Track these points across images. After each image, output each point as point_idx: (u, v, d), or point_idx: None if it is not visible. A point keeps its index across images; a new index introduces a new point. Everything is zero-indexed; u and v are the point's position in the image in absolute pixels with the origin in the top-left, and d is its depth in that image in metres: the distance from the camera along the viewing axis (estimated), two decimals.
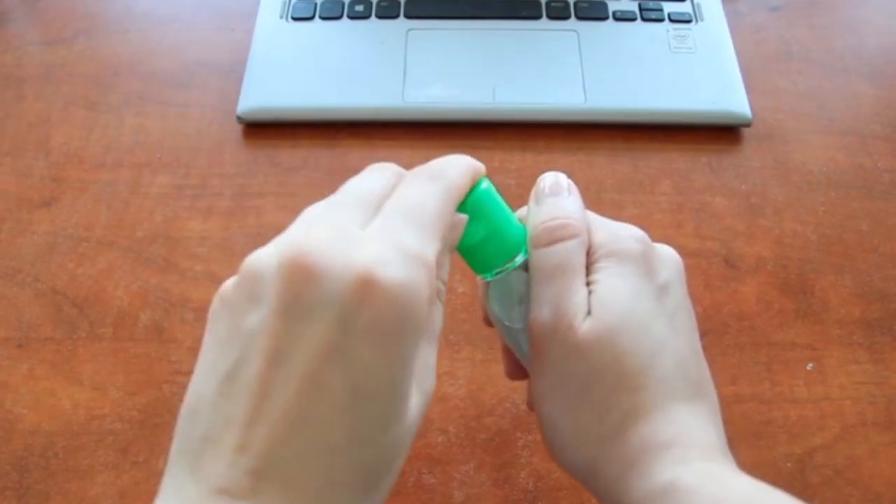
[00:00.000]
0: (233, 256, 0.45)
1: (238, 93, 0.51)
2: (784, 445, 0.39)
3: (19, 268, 0.45)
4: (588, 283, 0.27)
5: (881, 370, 0.41)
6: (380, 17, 0.54)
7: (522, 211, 0.30)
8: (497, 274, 0.28)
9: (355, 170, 0.53)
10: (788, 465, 0.38)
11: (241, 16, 0.56)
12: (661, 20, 0.54)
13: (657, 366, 0.26)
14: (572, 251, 0.27)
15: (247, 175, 0.49)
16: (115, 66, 0.54)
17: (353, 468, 0.21)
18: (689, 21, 0.54)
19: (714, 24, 0.54)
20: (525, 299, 0.28)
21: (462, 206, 0.26)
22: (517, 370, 0.31)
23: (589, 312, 0.26)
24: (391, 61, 0.52)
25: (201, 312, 0.43)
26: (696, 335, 0.28)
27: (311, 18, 0.54)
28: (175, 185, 0.48)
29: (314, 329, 0.20)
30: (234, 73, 0.53)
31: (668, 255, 0.29)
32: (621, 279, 0.27)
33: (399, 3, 0.55)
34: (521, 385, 0.40)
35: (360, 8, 0.54)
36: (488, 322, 0.31)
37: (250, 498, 0.20)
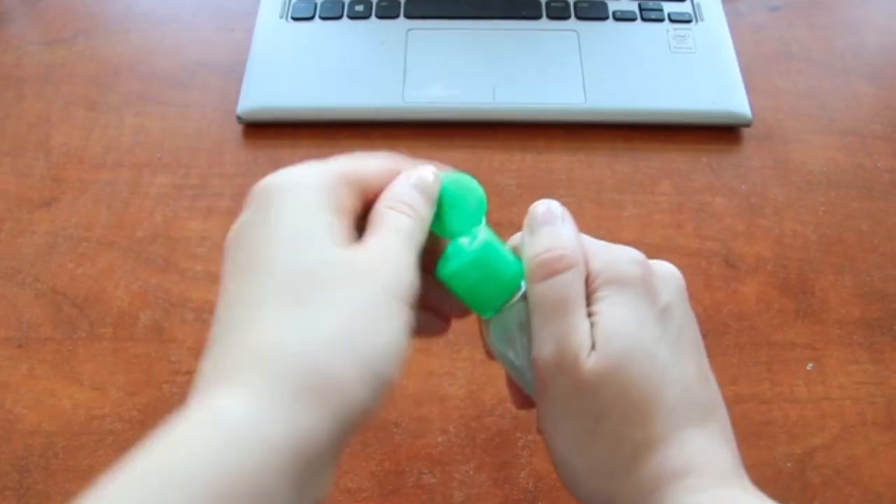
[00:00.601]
0: None
1: (238, 93, 0.51)
2: (784, 445, 0.39)
3: (19, 268, 0.45)
4: (589, 314, 0.26)
5: (881, 370, 0.41)
6: (380, 17, 0.54)
7: (516, 238, 0.29)
8: (496, 313, 0.28)
9: None
10: (788, 465, 0.38)
11: (241, 16, 0.56)
12: (661, 20, 0.54)
13: (665, 395, 0.26)
14: (570, 283, 0.26)
15: (247, 175, 0.49)
16: (115, 66, 0.54)
17: None
18: (689, 21, 0.54)
19: (714, 24, 0.54)
20: (526, 331, 0.28)
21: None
22: (524, 401, 0.30)
23: (593, 346, 0.26)
24: (391, 61, 0.52)
25: (201, 312, 0.43)
26: (702, 352, 0.28)
27: (311, 18, 0.54)
28: (175, 185, 0.48)
29: None
30: (234, 73, 0.53)
31: (667, 274, 0.28)
32: (622, 308, 0.26)
33: (399, 3, 0.55)
34: None
35: (360, 8, 0.54)
36: (490, 355, 0.30)
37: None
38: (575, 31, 0.53)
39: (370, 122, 0.51)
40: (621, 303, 0.26)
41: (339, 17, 0.54)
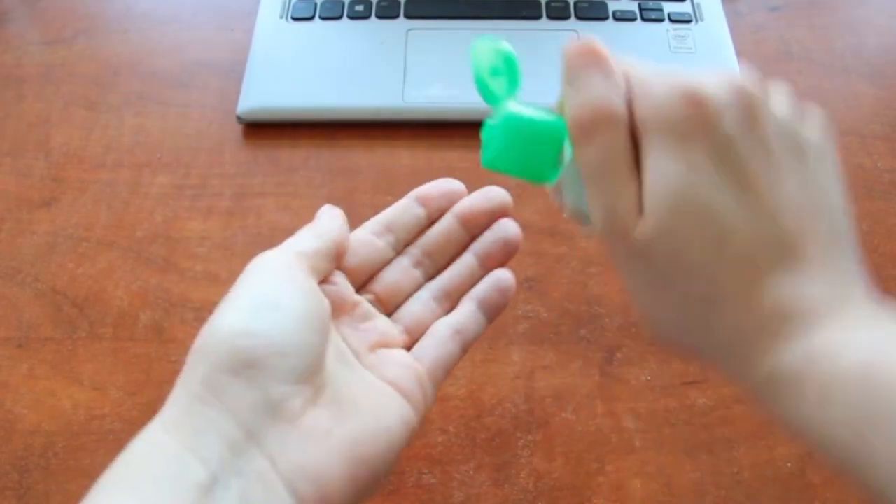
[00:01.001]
0: (233, 256, 0.45)
1: (238, 93, 0.51)
2: (784, 445, 0.39)
3: (19, 268, 0.45)
4: (640, 172, 0.24)
5: None
6: (380, 17, 0.54)
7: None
8: (555, 175, 0.27)
9: (355, 170, 0.53)
10: (788, 465, 0.38)
11: (241, 16, 0.56)
12: (661, 20, 0.54)
13: (729, 248, 0.23)
14: (608, 146, 0.24)
15: (247, 175, 0.49)
16: (115, 66, 0.54)
17: None
18: (689, 21, 0.54)
19: (714, 24, 0.54)
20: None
21: (495, 131, 0.27)
22: None
23: (642, 209, 0.24)
24: (391, 61, 0.52)
25: (201, 312, 0.43)
26: (796, 169, 0.24)
27: (311, 18, 0.54)
28: (175, 185, 0.48)
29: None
30: (234, 73, 0.53)
31: (730, 96, 0.24)
32: (669, 160, 0.23)
33: (399, 3, 0.55)
34: (521, 385, 0.40)
35: (360, 8, 0.54)
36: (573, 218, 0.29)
37: None
38: (575, 31, 0.53)
39: (370, 122, 0.51)
40: (668, 154, 0.24)
41: (339, 17, 0.54)
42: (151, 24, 0.57)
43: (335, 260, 0.29)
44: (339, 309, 0.29)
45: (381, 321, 0.30)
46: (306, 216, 0.47)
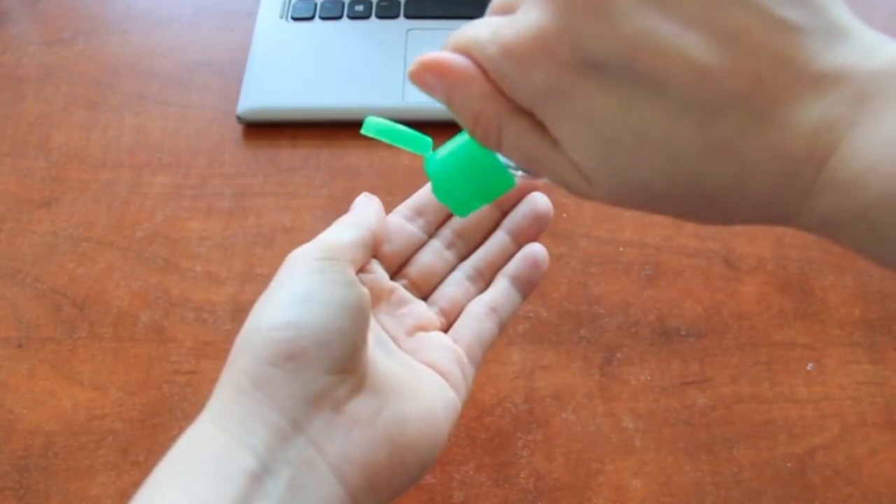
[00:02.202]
0: (233, 256, 0.45)
1: (238, 93, 0.51)
2: (784, 445, 0.39)
3: (19, 268, 0.45)
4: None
5: (881, 370, 0.41)
6: (380, 17, 0.54)
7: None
8: (503, 189, 0.28)
9: (355, 170, 0.53)
10: (788, 465, 0.38)
11: (241, 16, 0.56)
12: None
13: (683, 168, 0.20)
14: (512, 138, 0.23)
15: (247, 175, 0.49)
16: (115, 66, 0.54)
17: None
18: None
19: None
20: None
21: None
22: None
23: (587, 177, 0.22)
24: (391, 61, 0.52)
25: (201, 312, 0.43)
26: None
27: (311, 18, 0.54)
28: (175, 185, 0.48)
29: None
30: (234, 73, 0.53)
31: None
32: (560, 118, 0.21)
33: (399, 3, 0.55)
34: (521, 385, 0.40)
35: (360, 8, 0.54)
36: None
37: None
38: None
39: None
40: (556, 113, 0.21)
41: (339, 17, 0.54)
42: (151, 24, 0.57)
43: (372, 249, 0.29)
44: (376, 296, 0.29)
45: (417, 305, 0.31)
46: (306, 216, 0.47)
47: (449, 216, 0.32)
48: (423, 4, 0.55)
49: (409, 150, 0.28)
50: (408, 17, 0.54)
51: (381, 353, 0.28)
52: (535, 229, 0.32)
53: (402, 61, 0.52)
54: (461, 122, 0.24)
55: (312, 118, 0.51)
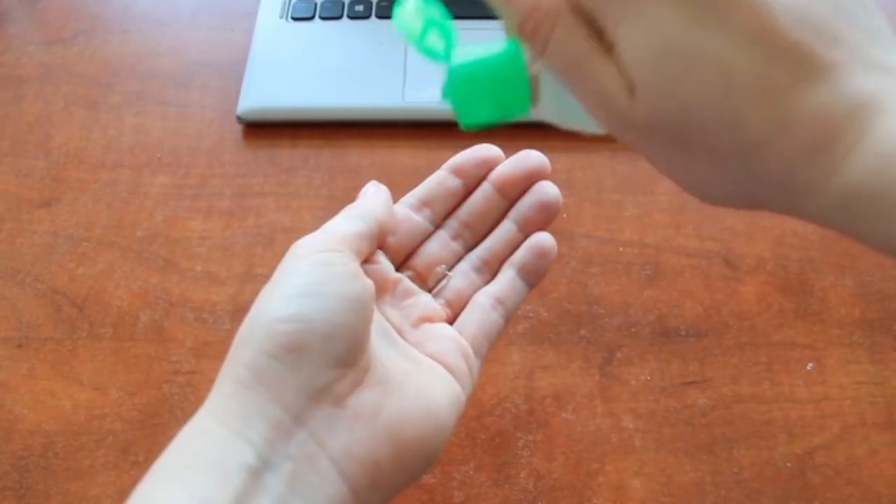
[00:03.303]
0: (233, 256, 0.45)
1: (238, 93, 0.51)
2: (784, 445, 0.39)
3: (19, 268, 0.45)
4: (610, 47, 0.22)
5: (881, 370, 0.41)
6: (380, 17, 0.54)
7: None
8: (530, 103, 0.26)
9: (355, 170, 0.53)
10: (788, 465, 0.38)
11: (241, 16, 0.56)
12: None
13: (737, 91, 0.20)
14: (566, 37, 0.22)
15: (247, 175, 0.49)
16: (115, 66, 0.54)
17: None
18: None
19: None
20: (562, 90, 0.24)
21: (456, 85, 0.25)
22: None
23: (633, 88, 0.21)
24: (391, 61, 0.52)
25: (201, 312, 0.43)
26: None
27: (311, 18, 0.54)
28: (175, 185, 0.48)
29: None
30: (234, 73, 0.53)
31: None
32: (632, 24, 0.21)
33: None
34: (521, 385, 0.40)
35: (360, 8, 0.54)
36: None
37: None
38: None
39: (370, 122, 0.51)
40: (630, 19, 0.21)
41: (339, 17, 0.54)
42: (151, 24, 0.57)
43: (378, 240, 0.29)
44: (381, 288, 0.29)
45: (422, 297, 0.30)
46: (306, 216, 0.47)
47: (456, 206, 0.32)
48: None
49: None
50: None
51: (385, 345, 0.28)
52: (543, 219, 0.31)
53: (402, 61, 0.52)
54: (508, 17, 0.23)
55: (312, 118, 0.51)
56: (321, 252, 0.26)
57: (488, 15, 0.53)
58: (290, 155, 0.50)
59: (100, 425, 0.39)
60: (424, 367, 0.28)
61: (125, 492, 0.35)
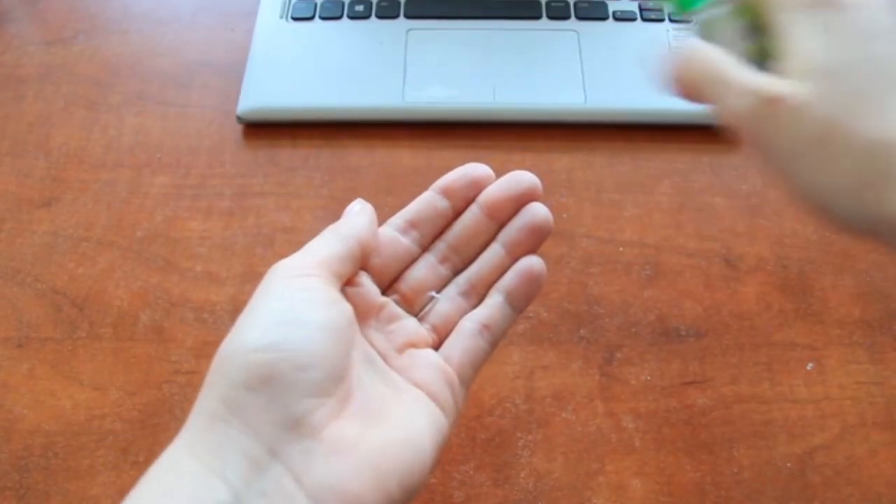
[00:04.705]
0: (233, 256, 0.45)
1: (238, 93, 0.51)
2: (784, 445, 0.39)
3: (19, 268, 0.45)
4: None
5: (881, 370, 0.41)
6: (380, 17, 0.54)
7: None
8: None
9: (355, 170, 0.53)
10: (788, 465, 0.38)
11: (241, 16, 0.56)
12: (661, 20, 0.54)
13: None
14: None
15: (247, 175, 0.49)
16: (115, 66, 0.54)
17: None
18: (689, 21, 0.54)
19: None
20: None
21: None
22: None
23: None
24: (391, 61, 0.52)
25: (201, 312, 0.43)
26: None
27: (311, 18, 0.54)
28: (175, 185, 0.48)
29: None
30: (234, 73, 0.53)
31: None
32: (809, 24, 0.24)
33: (399, 3, 0.55)
34: (521, 385, 0.40)
35: (360, 8, 0.54)
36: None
37: None
38: (575, 31, 0.53)
39: (370, 122, 0.51)
40: (808, 21, 0.24)
41: (339, 17, 0.54)
42: (151, 24, 0.57)
43: (360, 261, 0.28)
44: (365, 312, 0.28)
45: (408, 322, 0.29)
46: (306, 216, 0.47)
47: (444, 228, 0.31)
48: (423, 4, 0.55)
49: None
50: (408, 17, 0.54)
51: (369, 372, 0.27)
52: (533, 241, 0.30)
53: (402, 61, 0.52)
54: None
55: (312, 118, 0.51)
56: (298, 277, 0.26)
57: (503, 15, 0.54)
58: (290, 155, 0.50)
59: (100, 425, 0.39)
60: (408, 397, 0.27)
61: (125, 492, 0.35)
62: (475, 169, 0.30)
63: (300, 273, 0.26)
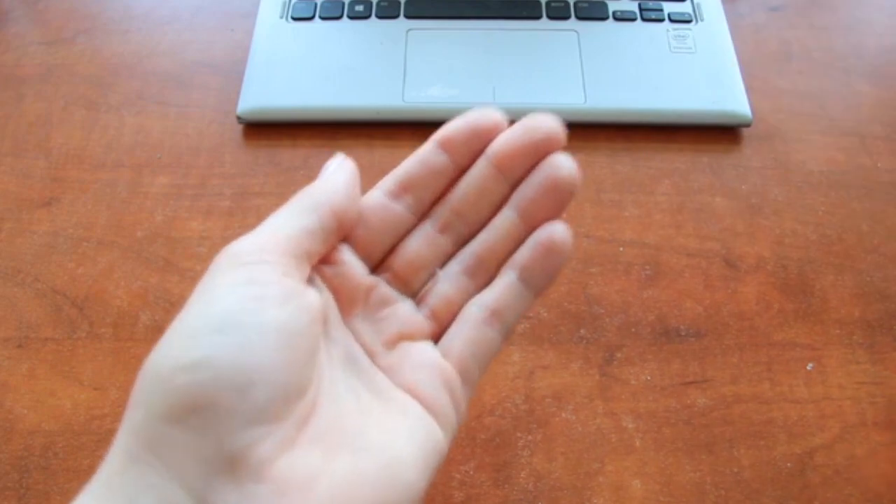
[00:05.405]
0: None
1: (238, 93, 0.51)
2: (784, 445, 0.39)
3: (19, 268, 0.45)
4: None
5: (881, 370, 0.41)
6: (380, 17, 0.54)
7: None
8: None
9: None
10: (788, 465, 0.38)
11: (241, 16, 0.56)
12: (661, 20, 0.54)
13: None
14: None
15: (247, 175, 0.49)
16: (115, 66, 0.54)
17: None
18: (689, 21, 0.54)
19: (714, 24, 0.54)
20: None
21: None
22: None
23: None
24: (391, 61, 0.52)
25: None
26: None
27: (311, 18, 0.54)
28: (175, 185, 0.48)
29: None
30: (234, 73, 0.53)
31: None
32: None
33: (399, 3, 0.55)
34: (521, 385, 0.40)
35: (360, 8, 0.54)
36: None
37: None
38: (575, 31, 0.53)
39: (370, 122, 0.51)
40: None
41: (339, 17, 0.54)
42: (151, 24, 0.57)
43: (337, 234, 0.23)
44: (349, 297, 0.23)
45: (402, 306, 0.24)
46: None
47: (445, 191, 0.25)
48: (423, 4, 0.55)
49: None
50: (408, 17, 0.54)
51: (347, 375, 0.22)
52: (554, 204, 0.23)
53: (402, 61, 0.52)
54: None
55: (312, 118, 0.51)
56: (244, 266, 0.21)
57: (503, 15, 0.54)
58: (290, 155, 0.50)
59: (100, 425, 0.39)
60: (393, 407, 0.22)
61: None
62: (482, 116, 0.25)
63: (248, 260, 0.21)
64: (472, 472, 0.38)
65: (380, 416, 0.21)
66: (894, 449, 0.39)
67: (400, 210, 0.25)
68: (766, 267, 0.45)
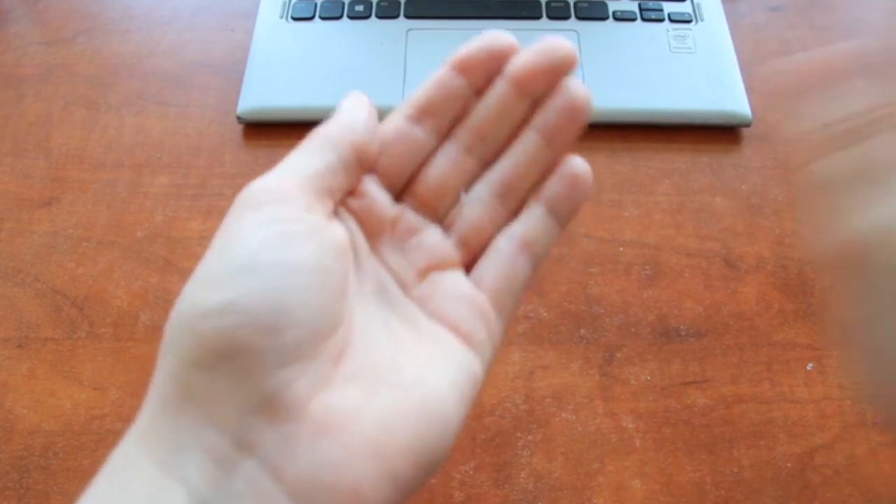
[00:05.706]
0: None
1: (238, 93, 0.51)
2: (784, 445, 0.39)
3: (19, 268, 0.45)
4: None
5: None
6: (380, 17, 0.54)
7: None
8: None
9: None
10: (788, 465, 0.38)
11: (241, 16, 0.56)
12: (661, 20, 0.54)
13: None
14: None
15: (247, 175, 0.49)
16: (115, 66, 0.54)
17: None
18: (689, 21, 0.54)
19: (714, 24, 0.54)
20: None
21: None
22: None
23: None
24: (391, 61, 0.52)
25: None
26: None
27: (311, 18, 0.54)
28: (175, 185, 0.48)
29: None
30: (234, 73, 0.53)
31: None
32: None
33: (399, 3, 0.55)
34: (521, 385, 0.40)
35: (360, 8, 0.54)
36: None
37: None
38: (575, 31, 0.53)
39: None
40: None
41: (339, 17, 0.54)
42: (151, 24, 0.57)
43: (358, 168, 0.23)
44: (375, 228, 0.23)
45: (429, 234, 0.24)
46: None
47: (464, 113, 0.25)
48: (423, 4, 0.55)
49: None
50: (408, 17, 0.54)
51: (379, 307, 0.22)
52: (574, 127, 0.25)
53: (402, 61, 0.52)
54: None
55: (312, 118, 0.50)
56: (267, 205, 0.21)
57: (503, 15, 0.54)
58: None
59: (100, 425, 0.39)
60: (428, 338, 0.22)
61: None
62: (497, 38, 0.24)
63: (269, 199, 0.21)
64: (472, 472, 0.38)
65: (415, 348, 0.21)
66: (894, 449, 0.39)
67: (421, 135, 0.24)
68: (766, 267, 0.45)
